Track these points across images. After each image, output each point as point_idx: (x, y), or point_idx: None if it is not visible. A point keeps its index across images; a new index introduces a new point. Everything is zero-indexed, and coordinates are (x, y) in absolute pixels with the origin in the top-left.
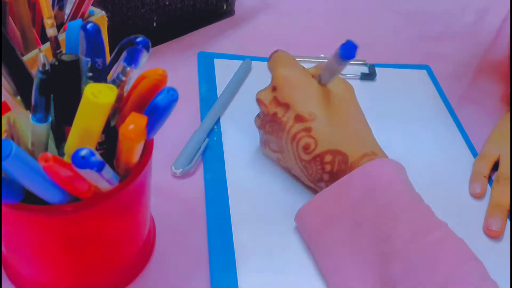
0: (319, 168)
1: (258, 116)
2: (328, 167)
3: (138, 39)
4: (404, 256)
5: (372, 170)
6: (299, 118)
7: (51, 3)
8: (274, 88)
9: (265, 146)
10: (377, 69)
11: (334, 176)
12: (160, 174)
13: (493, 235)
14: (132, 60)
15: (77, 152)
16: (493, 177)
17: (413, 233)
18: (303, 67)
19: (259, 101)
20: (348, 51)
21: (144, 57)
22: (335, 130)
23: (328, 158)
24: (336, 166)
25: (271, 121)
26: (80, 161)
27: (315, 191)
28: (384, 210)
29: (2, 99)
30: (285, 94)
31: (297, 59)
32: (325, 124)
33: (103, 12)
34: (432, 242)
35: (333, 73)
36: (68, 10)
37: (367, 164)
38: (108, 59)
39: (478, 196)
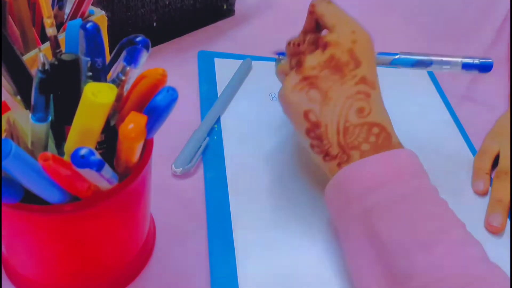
0: (363, 136)
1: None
2: (372, 139)
3: (138, 39)
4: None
5: (401, 158)
6: (364, 80)
7: (50, 3)
8: (354, 41)
9: (301, 90)
10: (377, 68)
11: (375, 148)
12: (160, 174)
13: (495, 231)
14: (132, 59)
15: (76, 151)
16: (493, 174)
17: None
18: None
19: (331, 43)
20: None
21: (144, 57)
22: (384, 109)
23: (375, 130)
24: (380, 140)
25: (335, 67)
26: (79, 160)
27: (311, 187)
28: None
29: (2, 99)
30: (364, 51)
31: None
32: (380, 99)
33: (103, 12)
34: (439, 254)
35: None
36: (68, 9)
37: (401, 150)
38: (108, 58)
39: (481, 194)
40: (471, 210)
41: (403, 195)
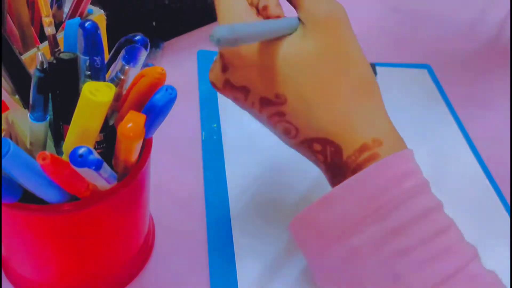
0: (311, 155)
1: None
2: (320, 157)
3: (137, 38)
4: None
5: (375, 181)
6: (265, 102)
7: (49, 2)
8: (225, 68)
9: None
10: (377, 68)
11: (331, 168)
12: (160, 173)
13: None
14: (131, 58)
15: (74, 151)
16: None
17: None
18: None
19: (213, 85)
20: None
21: (143, 56)
22: (316, 111)
23: (317, 147)
24: (329, 157)
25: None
26: (77, 159)
27: (312, 186)
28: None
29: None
30: (240, 77)
31: None
32: (301, 106)
33: (102, 11)
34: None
35: None
36: (66, 8)
37: (367, 173)
38: (107, 57)
39: None
40: (471, 212)
41: (390, 232)
